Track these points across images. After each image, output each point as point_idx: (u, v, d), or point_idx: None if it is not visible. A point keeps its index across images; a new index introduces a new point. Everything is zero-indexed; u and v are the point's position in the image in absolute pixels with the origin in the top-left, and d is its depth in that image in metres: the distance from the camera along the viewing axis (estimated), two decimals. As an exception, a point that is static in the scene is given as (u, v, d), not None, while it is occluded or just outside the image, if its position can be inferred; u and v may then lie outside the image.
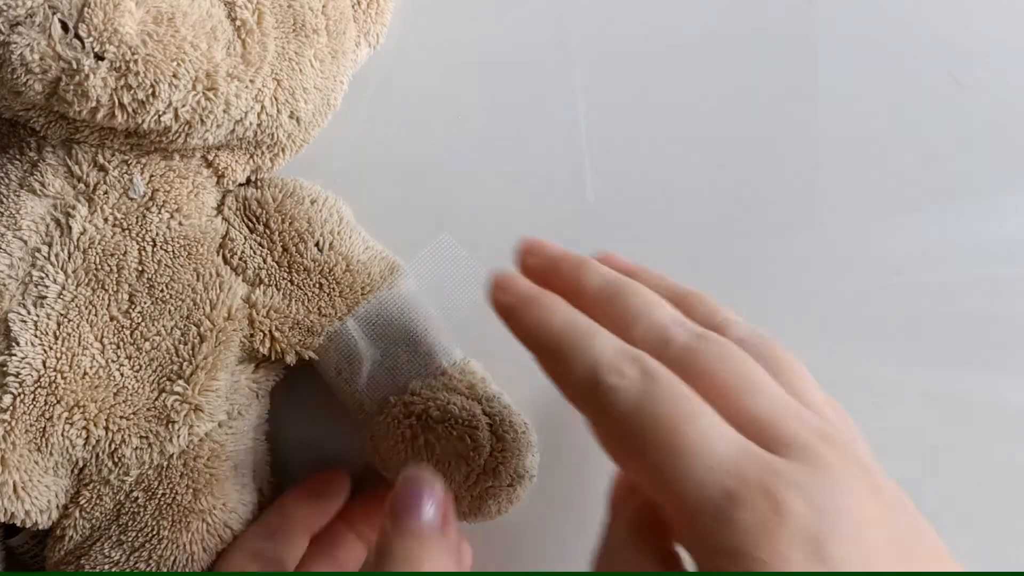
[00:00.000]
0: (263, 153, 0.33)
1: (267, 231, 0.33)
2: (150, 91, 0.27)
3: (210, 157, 0.33)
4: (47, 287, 0.30)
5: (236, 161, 0.33)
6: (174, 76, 0.27)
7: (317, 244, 0.33)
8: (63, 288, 0.30)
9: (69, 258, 0.31)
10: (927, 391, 0.35)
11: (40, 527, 0.31)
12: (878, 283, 0.36)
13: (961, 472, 0.34)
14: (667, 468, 0.23)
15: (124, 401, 0.31)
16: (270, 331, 0.32)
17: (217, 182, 0.34)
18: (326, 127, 0.35)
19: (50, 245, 0.30)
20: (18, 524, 0.31)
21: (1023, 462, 0.34)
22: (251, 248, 0.33)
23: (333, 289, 0.33)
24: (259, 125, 0.31)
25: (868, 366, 0.35)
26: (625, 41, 0.39)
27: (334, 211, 0.34)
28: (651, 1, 0.39)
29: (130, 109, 0.28)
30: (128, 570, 0.31)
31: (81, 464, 0.31)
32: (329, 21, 0.33)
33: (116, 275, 0.31)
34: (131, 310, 0.31)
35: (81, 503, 0.31)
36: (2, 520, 0.30)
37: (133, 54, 0.26)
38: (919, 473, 0.34)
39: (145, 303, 0.31)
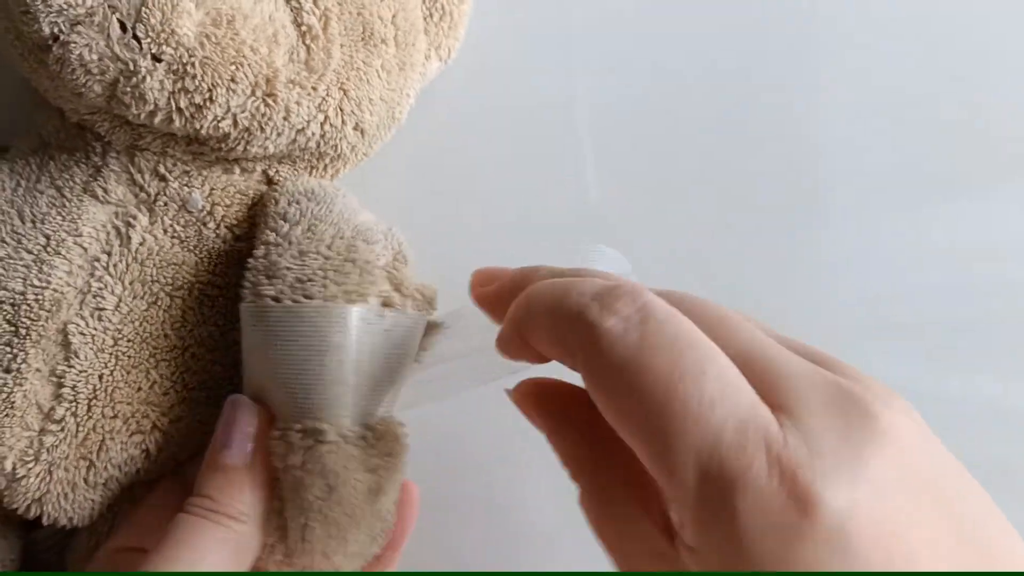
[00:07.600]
0: (324, 167, 0.32)
1: None
2: (207, 95, 0.26)
3: (271, 172, 0.32)
4: (105, 298, 0.30)
5: (296, 176, 0.32)
6: (232, 80, 0.26)
7: None
8: (120, 300, 0.30)
9: (127, 269, 0.30)
10: (927, 391, 0.34)
11: (77, 525, 0.31)
12: (878, 283, 0.36)
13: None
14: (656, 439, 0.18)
15: (178, 418, 0.30)
16: None
17: None
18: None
19: (109, 254, 0.30)
20: (58, 527, 0.30)
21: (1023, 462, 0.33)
22: None
23: None
24: (322, 136, 0.30)
25: (868, 366, 0.33)
26: (626, 40, 0.39)
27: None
28: (651, 1, 0.39)
29: (187, 113, 0.27)
30: None
31: (135, 476, 0.30)
32: (398, 32, 0.31)
33: (170, 288, 0.30)
34: (182, 329, 0.30)
35: (123, 506, 0.31)
36: (44, 524, 0.30)
37: (190, 56, 0.26)
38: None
39: (195, 321, 0.30)
